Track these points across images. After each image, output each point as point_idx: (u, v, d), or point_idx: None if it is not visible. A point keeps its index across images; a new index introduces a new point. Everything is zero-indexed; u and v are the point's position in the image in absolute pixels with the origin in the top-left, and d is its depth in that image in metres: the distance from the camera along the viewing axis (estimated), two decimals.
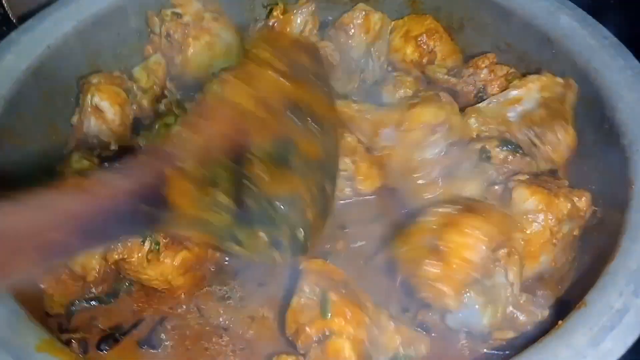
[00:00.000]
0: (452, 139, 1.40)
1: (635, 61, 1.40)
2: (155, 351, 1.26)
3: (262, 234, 0.98)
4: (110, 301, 1.36)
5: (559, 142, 1.39)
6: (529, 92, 1.45)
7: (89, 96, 1.52)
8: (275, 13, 1.75)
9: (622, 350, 0.94)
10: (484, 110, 1.48)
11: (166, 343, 1.27)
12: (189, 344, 1.28)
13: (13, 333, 0.98)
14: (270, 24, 1.76)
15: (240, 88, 0.95)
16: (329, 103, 1.12)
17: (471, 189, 1.37)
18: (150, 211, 0.88)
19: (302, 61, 1.06)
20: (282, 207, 0.97)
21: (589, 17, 1.51)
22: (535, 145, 1.41)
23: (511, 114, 1.45)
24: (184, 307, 1.34)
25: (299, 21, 1.74)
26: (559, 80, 1.43)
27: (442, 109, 1.39)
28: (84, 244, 0.83)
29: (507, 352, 1.15)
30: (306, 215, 1.00)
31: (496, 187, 1.38)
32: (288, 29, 1.74)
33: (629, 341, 0.95)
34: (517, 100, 1.46)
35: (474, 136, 1.46)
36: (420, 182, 1.40)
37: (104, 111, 1.53)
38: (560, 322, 1.00)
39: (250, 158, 0.94)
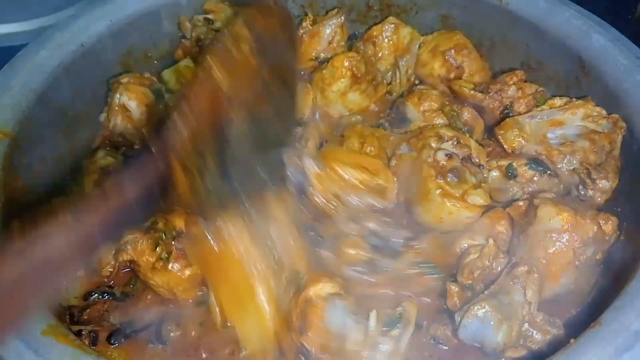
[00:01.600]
0: None
1: None
2: (164, 347, 1.26)
3: None
4: (125, 299, 1.36)
5: (607, 190, 1.36)
6: (572, 118, 1.42)
7: (117, 95, 1.56)
8: (304, 24, 1.77)
9: None
10: (524, 125, 1.45)
11: (175, 338, 1.27)
12: (197, 339, 1.28)
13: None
14: (300, 33, 1.77)
15: (219, 67, 1.01)
16: (292, 71, 1.23)
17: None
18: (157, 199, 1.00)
19: (273, 33, 1.14)
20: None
21: (623, 37, 1.49)
22: (584, 184, 1.37)
23: (551, 136, 1.43)
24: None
25: (328, 32, 1.76)
26: (604, 112, 1.40)
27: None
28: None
29: None
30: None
31: (520, 203, 1.35)
32: (316, 39, 1.76)
33: None
34: (559, 123, 1.43)
35: (510, 150, 1.45)
36: None
37: (130, 110, 1.56)
38: (572, 340, 0.96)
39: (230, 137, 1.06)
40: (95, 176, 1.52)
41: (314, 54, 1.77)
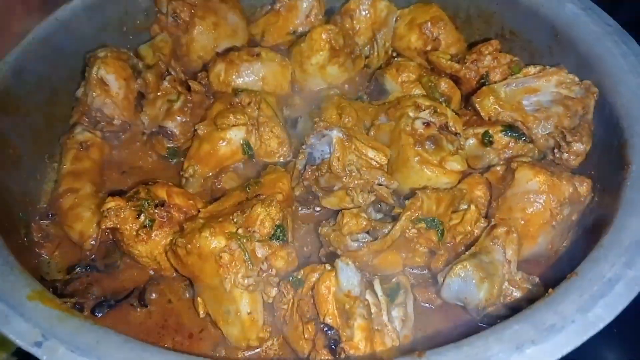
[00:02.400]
0: None
1: (639, 47, 1.40)
2: (147, 310, 1.28)
3: None
4: (108, 271, 1.36)
5: (582, 153, 1.39)
6: (546, 85, 1.45)
7: (95, 69, 1.54)
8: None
9: (611, 316, 0.94)
10: (500, 93, 1.48)
11: (157, 302, 1.30)
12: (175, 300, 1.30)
13: (5, 282, 0.99)
14: (277, 7, 1.77)
15: None
16: None
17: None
18: None
19: None
20: None
21: (594, 5, 1.52)
22: (559, 148, 1.41)
23: (526, 102, 1.46)
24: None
25: (305, 5, 1.76)
26: (576, 79, 1.44)
27: None
28: None
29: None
30: None
31: (497, 167, 1.38)
32: (294, 13, 1.76)
33: (619, 309, 0.96)
34: (534, 90, 1.46)
35: (486, 117, 1.47)
36: None
37: (108, 84, 1.55)
38: (551, 290, 1.00)
39: None
40: (73, 151, 1.52)
41: (291, 28, 1.78)
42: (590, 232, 1.21)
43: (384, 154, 1.39)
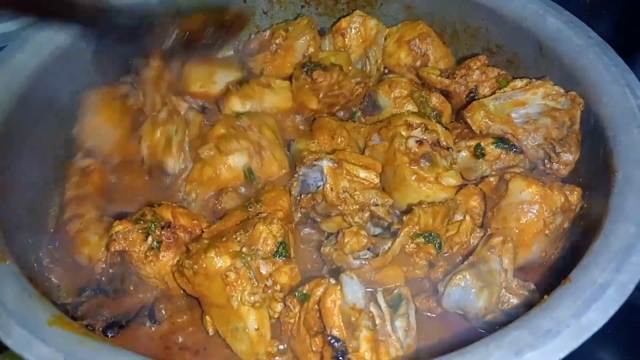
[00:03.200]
0: None
1: (619, 58, 1.47)
2: (158, 326, 1.31)
3: None
4: (117, 294, 1.39)
5: (571, 162, 1.45)
6: (533, 98, 1.51)
7: (87, 116, 1.57)
8: (277, 40, 1.82)
9: (604, 320, 0.99)
10: (489, 107, 1.54)
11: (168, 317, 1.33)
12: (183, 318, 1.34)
13: (26, 309, 1.02)
14: (274, 49, 1.83)
15: None
16: None
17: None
18: None
19: None
20: None
21: (575, 18, 1.59)
22: (549, 158, 1.47)
23: (515, 115, 1.52)
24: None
25: (301, 46, 1.81)
26: (562, 91, 1.50)
27: None
28: None
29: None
30: None
31: (491, 178, 1.44)
32: (291, 53, 1.81)
33: (611, 312, 1.01)
34: (522, 103, 1.52)
35: (478, 131, 1.53)
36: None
37: (102, 130, 1.58)
38: (546, 296, 1.05)
39: None
40: (76, 178, 1.55)
41: (289, 65, 1.81)
42: (581, 238, 1.26)
43: (375, 171, 1.45)
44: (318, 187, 1.43)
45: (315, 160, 1.43)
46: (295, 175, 1.47)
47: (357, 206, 1.39)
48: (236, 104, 1.65)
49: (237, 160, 1.51)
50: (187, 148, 1.57)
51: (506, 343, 0.96)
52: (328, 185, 1.39)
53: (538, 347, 0.95)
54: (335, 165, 1.41)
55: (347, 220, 1.39)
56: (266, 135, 1.56)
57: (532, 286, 1.28)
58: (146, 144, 1.60)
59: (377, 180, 1.44)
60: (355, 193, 1.40)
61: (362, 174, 1.43)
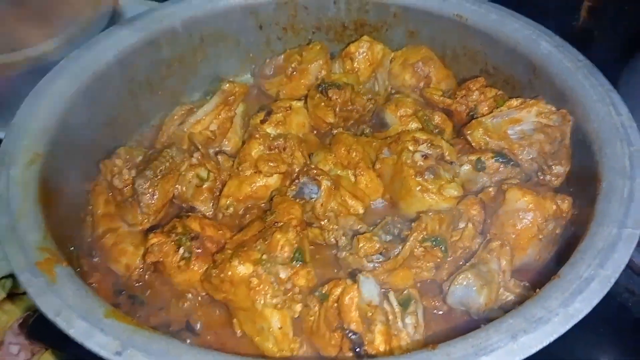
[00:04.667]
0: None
1: (605, 79, 1.61)
2: (196, 337, 1.43)
3: None
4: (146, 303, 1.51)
5: (562, 174, 1.58)
6: (527, 116, 1.64)
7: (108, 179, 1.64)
8: (293, 65, 1.96)
9: (588, 309, 1.13)
10: (488, 125, 1.67)
11: (203, 325, 1.45)
12: (219, 327, 1.45)
13: (84, 304, 1.16)
14: (289, 72, 1.97)
15: None
16: None
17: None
18: None
19: None
20: None
21: (566, 43, 1.73)
22: (542, 171, 1.59)
23: (511, 132, 1.65)
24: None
25: (314, 70, 1.96)
26: (553, 109, 1.62)
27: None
28: None
29: None
30: None
31: (490, 189, 1.58)
32: (305, 75, 1.96)
33: (594, 302, 1.14)
34: (517, 121, 1.65)
35: (477, 147, 1.66)
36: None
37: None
38: (538, 290, 1.19)
39: None
40: (104, 196, 1.64)
41: (304, 87, 1.96)
42: (571, 242, 1.38)
43: (363, 204, 1.60)
44: (311, 198, 1.56)
45: (318, 177, 1.57)
46: (296, 181, 1.60)
47: (336, 227, 1.54)
48: (270, 131, 1.76)
49: (273, 181, 1.63)
50: (217, 193, 1.65)
51: (503, 328, 1.09)
52: (321, 200, 1.54)
53: (531, 332, 1.08)
54: (333, 187, 1.57)
55: (324, 235, 1.55)
56: (298, 160, 1.68)
57: (527, 285, 1.40)
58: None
59: (361, 211, 1.59)
60: (340, 215, 1.55)
61: (351, 201, 1.59)
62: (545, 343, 1.06)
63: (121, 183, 1.59)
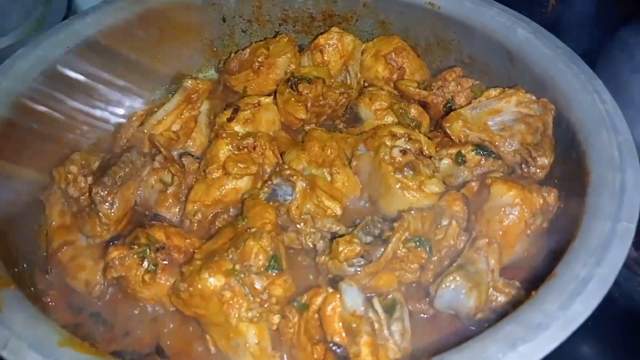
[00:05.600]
0: None
1: (587, 67, 1.56)
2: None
3: None
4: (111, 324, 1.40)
5: (546, 166, 1.52)
6: (507, 106, 1.58)
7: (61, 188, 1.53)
8: (260, 59, 1.86)
9: (589, 311, 1.06)
10: (467, 116, 1.61)
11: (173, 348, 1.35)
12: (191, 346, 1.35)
13: (36, 332, 1.04)
14: (257, 67, 1.87)
15: None
16: None
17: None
18: None
19: None
20: None
21: (543, 29, 1.67)
22: (526, 163, 1.53)
23: (491, 123, 1.59)
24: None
25: (283, 64, 1.87)
26: (533, 98, 1.57)
27: None
28: None
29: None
30: None
31: (472, 183, 1.51)
32: (273, 70, 1.86)
33: (595, 303, 1.08)
34: (497, 111, 1.59)
35: (457, 140, 1.60)
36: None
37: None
38: (534, 292, 1.12)
39: None
40: (59, 206, 1.52)
41: (271, 81, 1.87)
42: (562, 237, 1.33)
43: (340, 205, 1.51)
44: (285, 200, 1.48)
45: (292, 177, 1.48)
46: (269, 183, 1.51)
47: (314, 230, 1.45)
48: (238, 130, 1.66)
49: (244, 183, 1.55)
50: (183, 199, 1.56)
51: (501, 337, 1.02)
52: (296, 202, 1.45)
53: (530, 340, 1.01)
54: (308, 187, 1.48)
55: (300, 239, 1.45)
56: (269, 159, 1.60)
57: (517, 284, 1.34)
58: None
59: (339, 212, 1.50)
60: (316, 218, 1.46)
61: (328, 202, 1.49)
62: (546, 351, 0.99)
63: (77, 192, 1.47)
